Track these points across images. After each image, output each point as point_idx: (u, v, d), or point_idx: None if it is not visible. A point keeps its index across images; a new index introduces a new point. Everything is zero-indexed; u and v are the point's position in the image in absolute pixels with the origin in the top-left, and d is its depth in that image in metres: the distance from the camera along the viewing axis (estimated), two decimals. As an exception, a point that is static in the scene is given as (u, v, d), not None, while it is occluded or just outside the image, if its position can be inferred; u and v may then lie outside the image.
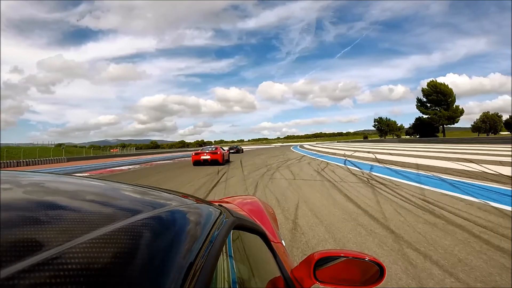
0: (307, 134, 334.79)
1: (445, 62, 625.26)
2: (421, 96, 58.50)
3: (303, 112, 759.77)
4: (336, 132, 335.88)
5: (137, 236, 0.37)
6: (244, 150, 38.21)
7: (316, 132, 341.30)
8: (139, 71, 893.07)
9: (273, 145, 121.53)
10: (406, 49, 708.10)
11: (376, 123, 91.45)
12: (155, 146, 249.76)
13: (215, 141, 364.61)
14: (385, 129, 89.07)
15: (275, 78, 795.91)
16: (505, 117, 68.17)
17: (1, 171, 0.59)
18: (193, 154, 14.36)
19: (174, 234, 0.41)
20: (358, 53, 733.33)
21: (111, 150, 65.65)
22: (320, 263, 0.82)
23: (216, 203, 0.82)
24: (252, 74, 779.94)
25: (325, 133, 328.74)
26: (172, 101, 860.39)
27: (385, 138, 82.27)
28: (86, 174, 12.14)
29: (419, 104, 58.67)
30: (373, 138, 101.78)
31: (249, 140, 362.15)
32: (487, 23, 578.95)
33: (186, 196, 0.73)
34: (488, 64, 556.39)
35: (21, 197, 0.45)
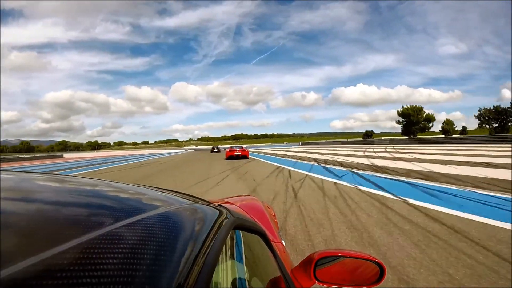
0: (225, 136, 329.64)
1: (355, 74, 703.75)
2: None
3: (216, 115, 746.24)
4: (259, 134, 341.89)
5: (137, 237, 0.37)
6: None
7: (231, 134, 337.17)
8: (44, 61, 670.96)
9: (183, 149, 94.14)
10: (320, 59, 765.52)
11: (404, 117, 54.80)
12: (27, 148, 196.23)
13: (114, 142, 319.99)
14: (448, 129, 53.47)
15: (190, 80, 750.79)
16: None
17: (1, 171, 0.58)
18: (227, 151, 18.26)
19: (174, 234, 0.41)
20: (274, 60, 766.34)
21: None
22: (320, 263, 0.82)
23: (216, 203, 0.82)
24: (167, 74, 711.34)
25: (246, 135, 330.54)
26: (79, 98, 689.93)
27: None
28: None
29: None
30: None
31: (155, 142, 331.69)
32: (396, 42, 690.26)
33: (186, 196, 0.72)
34: (394, 78, 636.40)
35: (20, 197, 0.46)
